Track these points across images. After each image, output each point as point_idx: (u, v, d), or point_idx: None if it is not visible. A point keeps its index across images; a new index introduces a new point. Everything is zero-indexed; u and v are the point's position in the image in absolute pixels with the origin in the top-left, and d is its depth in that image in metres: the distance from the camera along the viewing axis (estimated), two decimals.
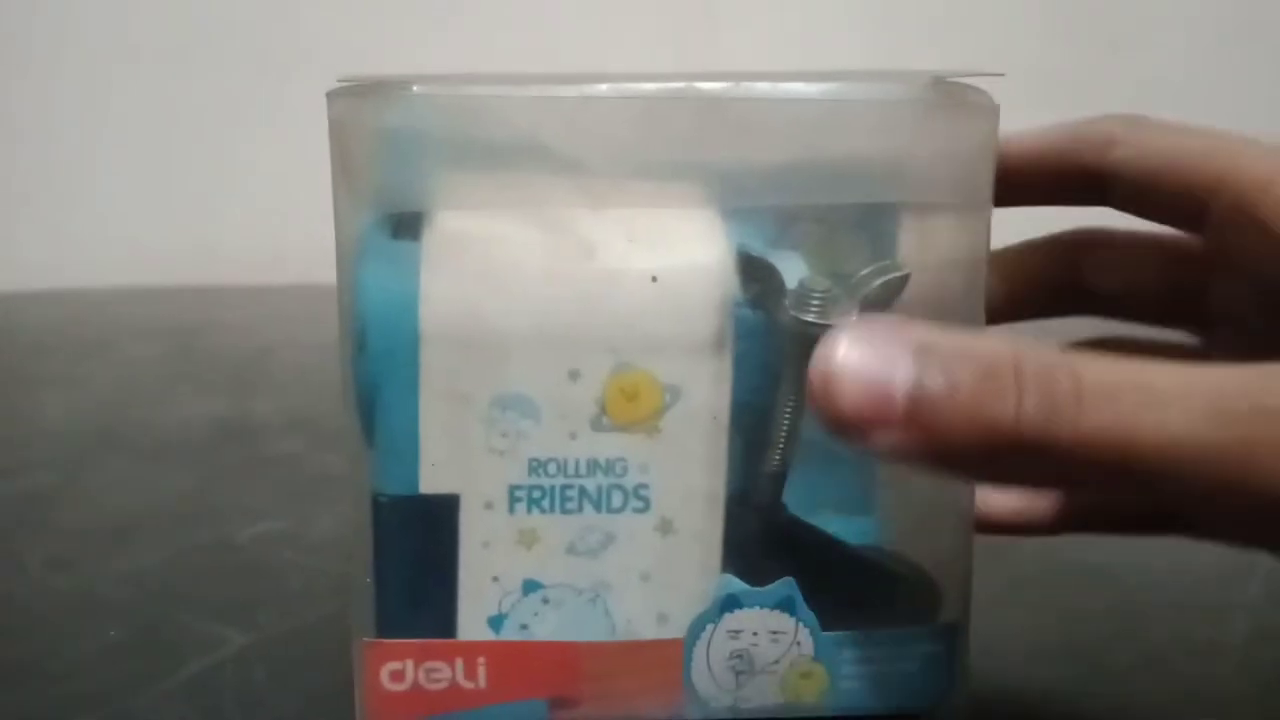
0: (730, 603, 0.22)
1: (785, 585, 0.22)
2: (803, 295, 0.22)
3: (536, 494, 0.22)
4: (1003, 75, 0.21)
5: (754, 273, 0.22)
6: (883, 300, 0.22)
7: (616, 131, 0.22)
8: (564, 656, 0.22)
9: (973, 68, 0.22)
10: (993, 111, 0.21)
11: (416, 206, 0.22)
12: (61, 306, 0.69)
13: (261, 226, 0.76)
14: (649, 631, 0.23)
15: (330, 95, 0.21)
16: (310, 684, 0.28)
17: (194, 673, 0.28)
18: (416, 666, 0.22)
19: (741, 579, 0.22)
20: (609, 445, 0.22)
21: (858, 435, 0.17)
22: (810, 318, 0.22)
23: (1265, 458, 0.16)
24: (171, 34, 0.76)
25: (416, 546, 0.22)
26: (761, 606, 0.22)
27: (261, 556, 0.35)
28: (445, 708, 0.23)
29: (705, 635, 0.22)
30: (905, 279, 0.22)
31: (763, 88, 0.22)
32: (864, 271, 0.22)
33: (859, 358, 0.17)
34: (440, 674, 0.22)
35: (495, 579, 0.22)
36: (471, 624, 0.22)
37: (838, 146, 0.22)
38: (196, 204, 0.77)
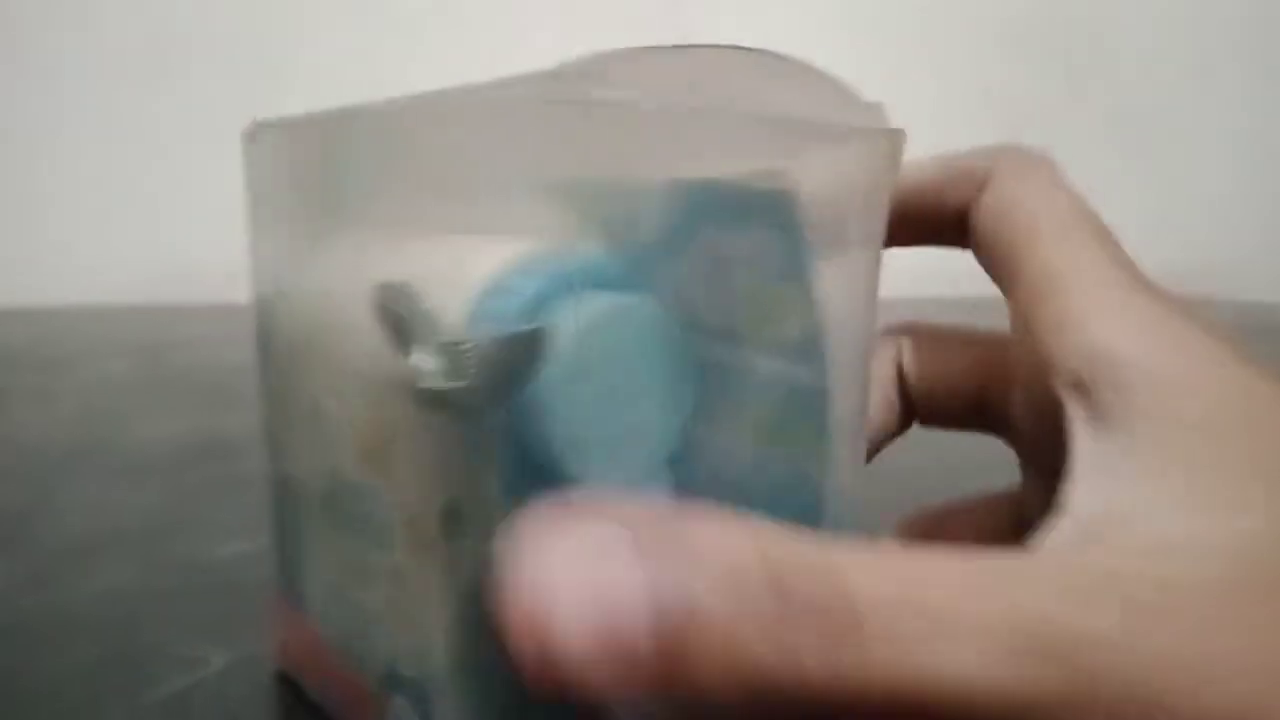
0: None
1: None
2: (435, 346, 0.15)
3: (332, 500, 0.22)
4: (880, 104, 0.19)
5: (389, 307, 0.16)
6: (500, 366, 0.15)
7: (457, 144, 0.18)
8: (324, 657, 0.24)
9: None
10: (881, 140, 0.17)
11: (321, 227, 0.23)
12: (31, 324, 0.69)
13: (232, 245, 0.76)
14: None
15: (244, 134, 0.25)
16: (288, 703, 0.28)
17: (171, 693, 0.28)
18: (286, 627, 0.26)
19: None
20: (359, 472, 0.20)
21: (597, 699, 0.12)
22: (425, 382, 0.15)
23: (1069, 711, 0.12)
24: (144, 52, 0.76)
25: (281, 520, 0.26)
26: None
27: (235, 576, 0.35)
28: (301, 669, 0.26)
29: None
30: (536, 336, 0.15)
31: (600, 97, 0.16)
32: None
33: (576, 583, 0.12)
34: (298, 639, 0.25)
35: (317, 563, 0.24)
36: (310, 601, 0.24)
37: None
38: (165, 222, 0.77)
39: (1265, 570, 0.13)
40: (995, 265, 0.19)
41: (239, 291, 0.74)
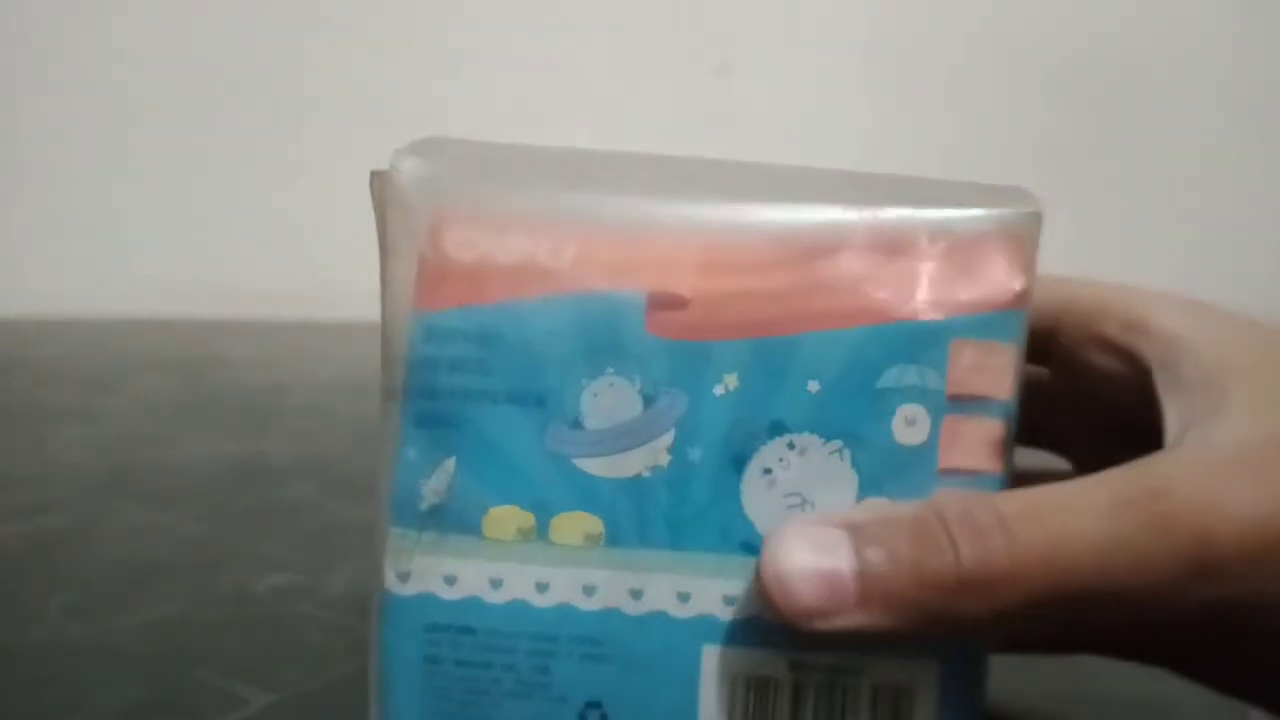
0: None
1: None
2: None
3: None
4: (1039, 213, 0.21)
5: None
6: None
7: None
8: None
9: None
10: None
11: None
12: (76, 336, 0.69)
13: (271, 262, 0.77)
14: None
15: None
16: None
17: None
18: None
19: None
20: None
21: (820, 625, 0.19)
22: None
23: (1152, 545, 0.18)
24: (192, 72, 0.77)
25: None
26: None
27: (279, 610, 0.36)
28: None
29: None
30: None
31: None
32: None
33: (804, 554, 0.19)
34: None
35: None
36: None
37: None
38: (208, 238, 0.78)
39: None
40: (1045, 315, 0.23)
41: (276, 309, 0.74)
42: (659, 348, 0.20)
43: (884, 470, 0.21)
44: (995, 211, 0.21)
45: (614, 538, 0.20)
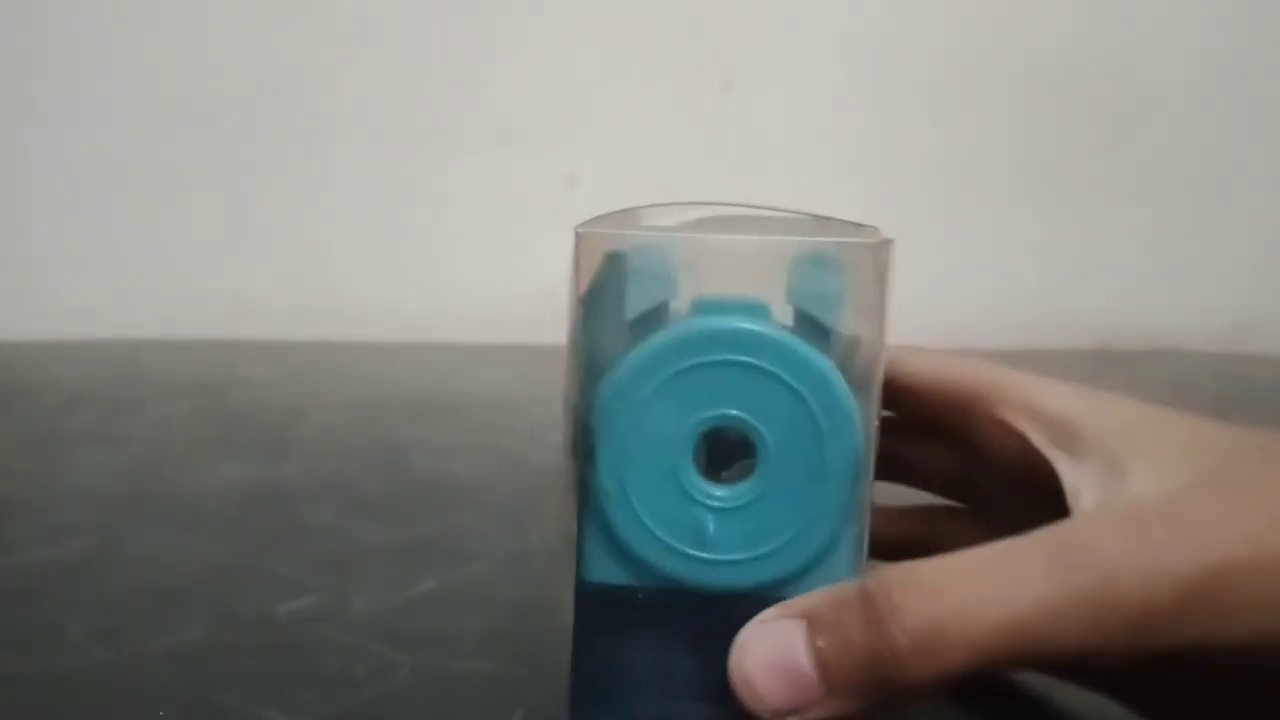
0: None
1: None
2: None
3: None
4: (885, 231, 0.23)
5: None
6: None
7: None
8: None
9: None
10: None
11: None
12: (96, 358, 0.70)
13: (289, 283, 0.77)
14: None
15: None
16: None
17: None
18: None
19: None
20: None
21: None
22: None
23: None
24: (207, 89, 0.78)
25: None
26: None
27: (300, 634, 0.36)
28: None
29: None
30: None
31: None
32: None
33: (763, 651, 0.19)
34: None
35: None
36: None
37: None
38: (227, 257, 0.78)
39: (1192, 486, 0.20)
40: (942, 406, 0.27)
41: (295, 329, 0.75)
42: None
43: None
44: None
45: None
